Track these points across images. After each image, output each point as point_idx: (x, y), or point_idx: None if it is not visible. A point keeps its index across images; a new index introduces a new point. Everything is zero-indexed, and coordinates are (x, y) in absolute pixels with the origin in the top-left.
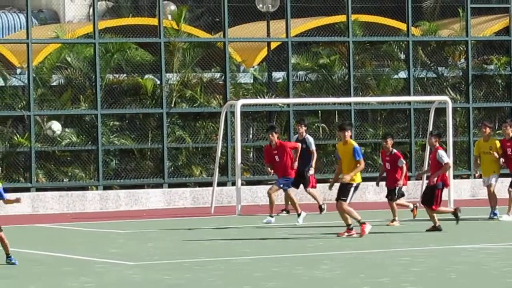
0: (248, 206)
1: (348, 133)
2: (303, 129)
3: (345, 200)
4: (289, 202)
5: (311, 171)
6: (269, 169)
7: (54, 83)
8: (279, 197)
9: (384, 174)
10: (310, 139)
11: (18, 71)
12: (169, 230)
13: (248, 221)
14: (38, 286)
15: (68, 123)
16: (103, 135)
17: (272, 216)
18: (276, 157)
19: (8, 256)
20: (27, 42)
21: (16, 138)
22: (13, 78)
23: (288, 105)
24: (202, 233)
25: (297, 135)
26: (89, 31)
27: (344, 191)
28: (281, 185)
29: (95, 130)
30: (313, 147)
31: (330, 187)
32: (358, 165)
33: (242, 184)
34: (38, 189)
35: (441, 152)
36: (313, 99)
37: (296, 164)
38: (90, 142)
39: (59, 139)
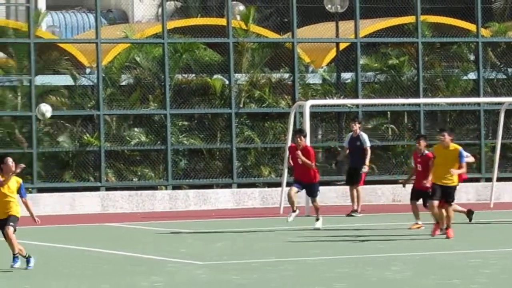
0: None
1: (449, 137)
2: (357, 126)
3: (451, 203)
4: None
5: (365, 169)
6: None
7: (123, 83)
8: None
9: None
10: (365, 137)
11: (88, 70)
12: (238, 230)
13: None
14: (109, 285)
15: (137, 122)
16: (172, 135)
17: (295, 211)
18: (299, 160)
19: (14, 256)
20: (96, 42)
21: (85, 138)
22: (83, 77)
23: (357, 106)
24: (271, 233)
25: (351, 133)
26: (158, 31)
27: (450, 193)
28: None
29: (164, 130)
30: (368, 144)
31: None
32: (461, 168)
33: None
34: (107, 188)
35: (462, 151)
36: (382, 100)
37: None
38: (159, 142)
39: (128, 138)
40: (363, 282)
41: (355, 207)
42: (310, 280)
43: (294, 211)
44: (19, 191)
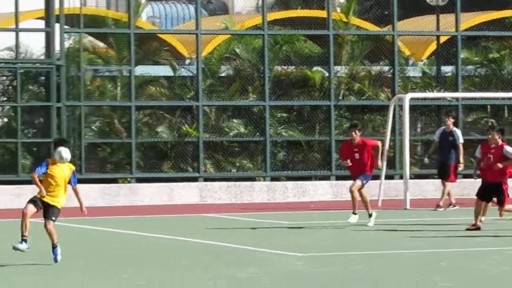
0: (415, 200)
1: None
2: (450, 121)
3: None
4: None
5: (461, 167)
6: (348, 161)
7: (223, 74)
8: (437, 191)
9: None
10: (458, 132)
11: (187, 61)
12: (336, 222)
13: (415, 215)
14: (208, 276)
15: (236, 114)
16: (271, 127)
17: (355, 214)
18: (356, 155)
19: (54, 247)
20: (196, 33)
21: (184, 128)
22: (182, 68)
23: (457, 99)
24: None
25: (443, 127)
26: (258, 22)
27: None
28: (364, 181)
29: (263, 121)
30: (461, 141)
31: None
32: None
33: (410, 178)
34: (206, 179)
35: (507, 148)
36: (482, 94)
37: (379, 162)
38: (258, 133)
39: (227, 129)
40: (461, 276)
41: (452, 201)
42: (409, 272)
43: (370, 215)
44: (70, 178)
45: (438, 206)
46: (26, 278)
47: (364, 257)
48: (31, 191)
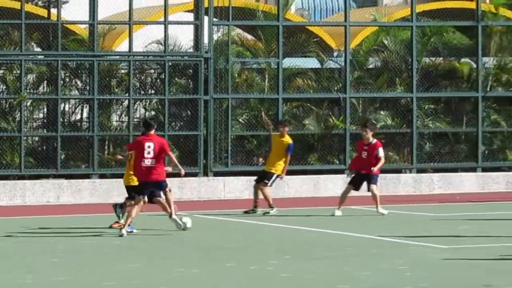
0: None
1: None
2: None
3: None
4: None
5: None
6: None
7: (371, 66)
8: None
9: None
10: None
11: (335, 53)
12: (482, 214)
13: None
14: (350, 267)
15: (384, 106)
16: (418, 118)
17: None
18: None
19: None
20: (345, 25)
21: (331, 120)
22: (330, 60)
23: None
24: None
25: None
26: (406, 14)
27: None
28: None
29: (410, 113)
30: None
31: None
32: None
33: None
34: None
35: None
36: None
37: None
38: (404, 125)
39: (374, 121)
40: None
41: None
42: None
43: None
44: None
45: None
46: None
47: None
48: None
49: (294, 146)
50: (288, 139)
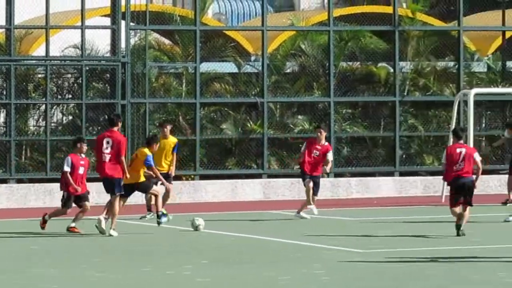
0: (477, 196)
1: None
2: None
3: None
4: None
5: None
6: None
7: (288, 70)
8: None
9: None
10: None
11: (253, 58)
12: (399, 218)
13: (476, 211)
14: (269, 272)
15: (301, 110)
16: (335, 123)
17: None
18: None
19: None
20: (262, 30)
21: (249, 125)
22: (247, 65)
23: None
24: (433, 222)
25: None
26: (323, 19)
27: None
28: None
29: (328, 117)
30: None
31: None
32: None
33: None
34: (270, 176)
35: None
36: None
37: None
38: None
39: (291, 126)
40: None
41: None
42: (477, 269)
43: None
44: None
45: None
46: None
47: (432, 253)
48: None
49: (212, 150)
50: (173, 139)
